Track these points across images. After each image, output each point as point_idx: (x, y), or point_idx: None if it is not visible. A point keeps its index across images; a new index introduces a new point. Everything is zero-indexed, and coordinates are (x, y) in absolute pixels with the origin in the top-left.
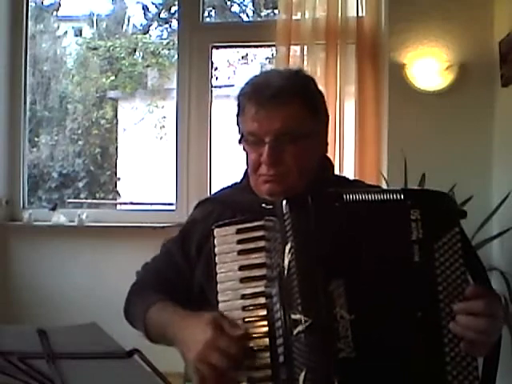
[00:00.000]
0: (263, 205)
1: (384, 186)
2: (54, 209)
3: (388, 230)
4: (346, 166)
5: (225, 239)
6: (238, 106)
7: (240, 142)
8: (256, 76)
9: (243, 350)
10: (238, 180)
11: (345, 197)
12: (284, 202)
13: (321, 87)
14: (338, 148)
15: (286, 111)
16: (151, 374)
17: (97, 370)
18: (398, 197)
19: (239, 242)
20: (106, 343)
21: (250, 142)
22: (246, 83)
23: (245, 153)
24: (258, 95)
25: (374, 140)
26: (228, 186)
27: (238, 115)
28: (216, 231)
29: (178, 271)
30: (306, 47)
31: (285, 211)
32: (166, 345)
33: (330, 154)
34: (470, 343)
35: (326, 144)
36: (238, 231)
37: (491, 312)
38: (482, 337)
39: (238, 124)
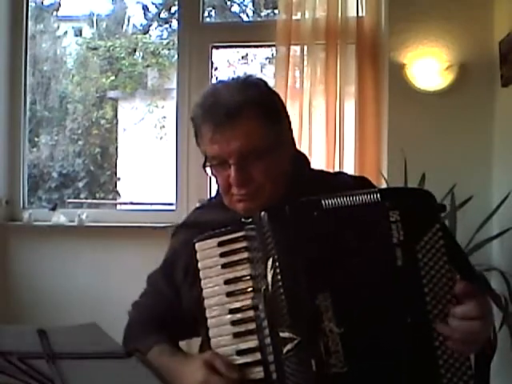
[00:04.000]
0: (242, 219)
1: (384, 186)
2: (54, 209)
3: (369, 235)
4: (346, 165)
5: (207, 253)
6: (194, 128)
7: (204, 165)
8: (205, 94)
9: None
10: (213, 195)
11: (323, 203)
12: (262, 214)
13: (321, 87)
14: (338, 148)
15: (244, 128)
16: (151, 374)
17: (97, 370)
18: (376, 198)
19: (222, 255)
20: (106, 343)
21: (215, 164)
22: (196, 104)
23: (213, 175)
24: (211, 116)
25: (374, 140)
26: (201, 206)
27: (196, 137)
28: (197, 245)
29: (167, 305)
30: (305, 47)
31: (264, 224)
32: None
33: (329, 154)
34: (461, 343)
35: (293, 141)
36: (220, 244)
37: (483, 313)
38: (473, 337)
39: (198, 146)
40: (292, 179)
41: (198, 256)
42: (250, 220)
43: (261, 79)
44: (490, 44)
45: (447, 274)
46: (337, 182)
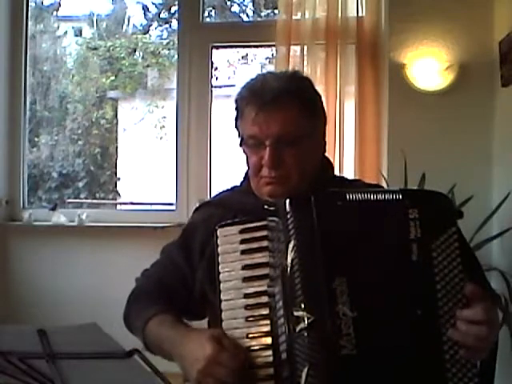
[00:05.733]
0: (265, 206)
1: (384, 186)
2: (53, 209)
3: (388, 229)
4: (346, 165)
5: (228, 239)
6: (237, 109)
7: (241, 145)
8: (253, 79)
9: (246, 362)
10: (238, 183)
11: (347, 196)
12: (287, 201)
13: (321, 87)
14: (338, 148)
15: (286, 114)
16: (151, 374)
17: (97, 369)
18: (397, 196)
19: (242, 241)
20: (105, 343)
21: (251, 145)
22: (243, 87)
23: (245, 156)
24: (257, 99)
25: (374, 140)
26: (228, 189)
27: (236, 119)
28: (219, 231)
29: (179, 275)
30: (306, 47)
31: (288, 210)
32: (164, 358)
33: (330, 154)
34: (469, 349)
35: (325, 144)
36: (242, 231)
37: (490, 318)
38: (481, 343)
39: (237, 127)
40: (317, 179)
41: (219, 241)
42: (273, 206)
43: (308, 78)
44: (490, 44)
45: (459, 275)
46: (355, 187)
